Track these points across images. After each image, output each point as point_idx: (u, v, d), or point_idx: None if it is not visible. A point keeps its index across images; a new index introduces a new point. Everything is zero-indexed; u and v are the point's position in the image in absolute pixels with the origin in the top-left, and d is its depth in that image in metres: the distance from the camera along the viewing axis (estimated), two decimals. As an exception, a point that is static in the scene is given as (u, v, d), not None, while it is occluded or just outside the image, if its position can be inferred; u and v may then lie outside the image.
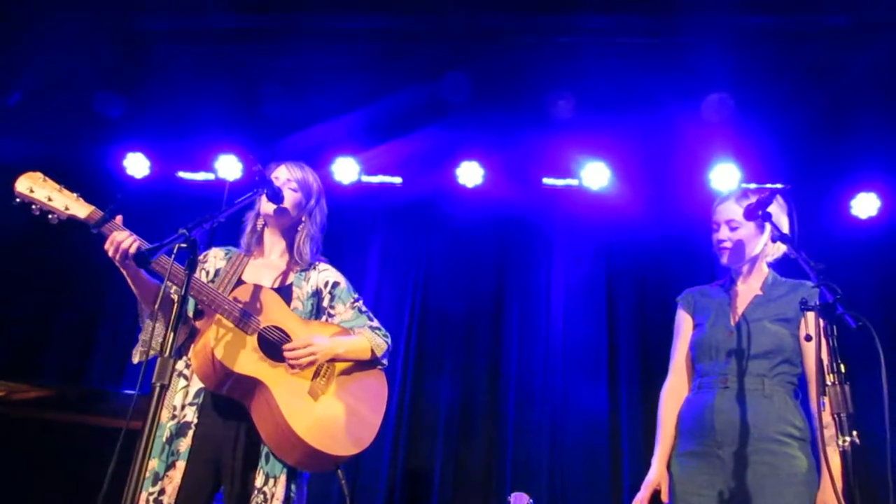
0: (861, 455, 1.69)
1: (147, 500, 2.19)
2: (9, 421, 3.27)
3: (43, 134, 4.69)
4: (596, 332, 4.75)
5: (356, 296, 2.69)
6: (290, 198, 2.56)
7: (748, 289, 2.55)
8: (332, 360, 2.46)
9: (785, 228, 2.49)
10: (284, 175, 2.60)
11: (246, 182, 4.92)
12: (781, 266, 2.62)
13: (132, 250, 2.18)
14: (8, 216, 2.39)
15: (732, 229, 2.52)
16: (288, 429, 2.26)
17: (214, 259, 2.59)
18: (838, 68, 4.23)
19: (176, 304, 1.89)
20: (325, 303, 2.62)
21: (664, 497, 2.46)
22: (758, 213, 2.30)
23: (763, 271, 2.57)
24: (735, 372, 2.40)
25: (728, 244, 2.53)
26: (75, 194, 2.24)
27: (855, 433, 1.67)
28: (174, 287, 2.23)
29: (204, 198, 4.93)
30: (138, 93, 4.73)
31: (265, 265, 2.60)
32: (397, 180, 5.09)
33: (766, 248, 2.54)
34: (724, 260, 2.56)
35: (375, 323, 2.67)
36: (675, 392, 2.61)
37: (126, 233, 2.21)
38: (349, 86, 4.63)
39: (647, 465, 2.57)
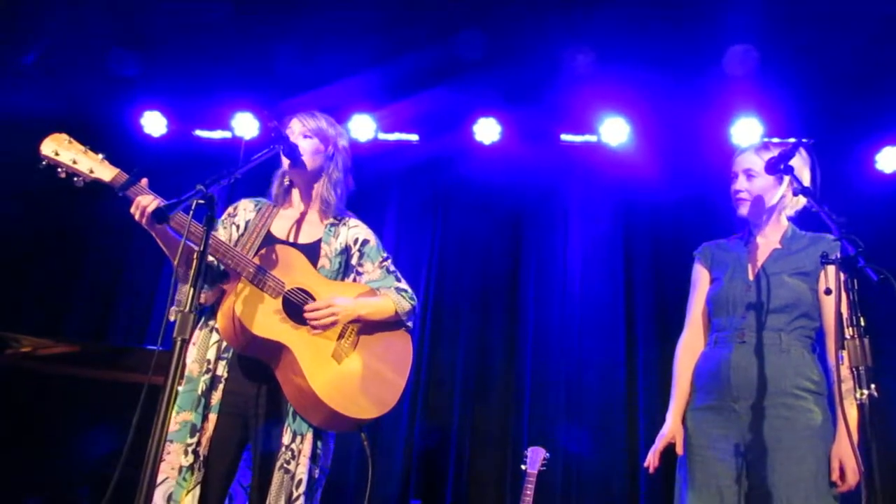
0: (878, 408, 1.69)
1: (185, 451, 2.23)
2: (34, 376, 3.33)
3: (60, 92, 4.69)
4: (613, 290, 4.74)
5: (385, 254, 2.67)
6: (307, 148, 2.53)
7: (767, 242, 2.52)
8: (355, 321, 2.46)
9: (806, 181, 2.45)
10: (298, 127, 2.56)
11: (262, 139, 4.93)
12: (801, 219, 2.59)
13: (150, 210, 2.18)
14: (30, 174, 2.40)
15: (749, 178, 2.48)
16: (311, 391, 2.28)
17: (244, 211, 2.58)
18: (864, 19, 4.11)
19: (195, 260, 1.90)
20: (354, 260, 2.60)
21: (678, 450, 2.47)
22: (779, 167, 2.26)
23: (782, 224, 2.53)
24: (752, 326, 2.38)
25: (745, 195, 2.49)
26: (100, 156, 2.24)
27: (874, 386, 1.67)
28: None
29: (221, 156, 4.94)
30: (155, 51, 4.71)
31: (294, 217, 2.59)
32: (414, 138, 5.06)
33: (784, 200, 2.51)
34: (741, 211, 2.52)
35: (403, 284, 2.64)
36: (690, 346, 2.60)
37: (151, 196, 2.21)
38: (365, 42, 4.58)
39: (664, 422, 2.57)
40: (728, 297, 2.47)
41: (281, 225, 2.55)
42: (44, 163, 2.20)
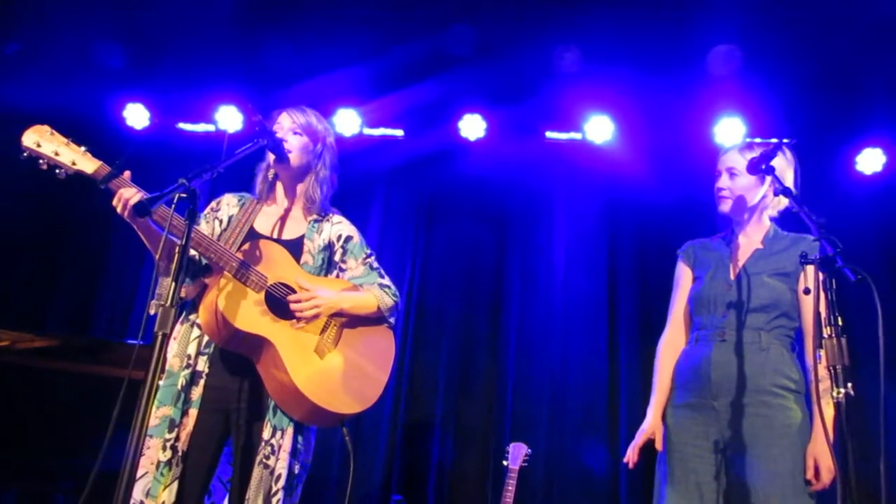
0: (855, 408, 1.71)
1: (164, 446, 2.22)
2: (13, 370, 3.29)
3: (41, 83, 4.65)
4: (596, 287, 4.77)
5: (368, 251, 2.67)
6: (295, 143, 2.52)
7: (749, 242, 2.55)
8: (338, 315, 2.46)
9: (790, 182, 2.48)
10: (287, 122, 2.55)
11: (246, 133, 4.90)
12: (784, 220, 2.61)
13: (132, 202, 2.16)
14: (11, 165, 2.38)
15: (732, 177, 2.52)
16: (293, 386, 2.27)
17: (227, 206, 2.57)
18: (847, 22, 4.15)
19: (177, 255, 1.89)
20: (337, 257, 2.60)
21: (658, 446, 2.49)
22: (761, 167, 2.29)
23: (765, 224, 2.57)
24: (732, 325, 2.41)
25: (727, 193, 2.53)
26: (82, 148, 2.21)
27: (850, 385, 1.69)
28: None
29: (204, 149, 4.90)
30: (138, 43, 4.67)
31: (277, 213, 2.58)
32: (399, 133, 5.05)
33: (765, 199, 2.54)
34: (722, 208, 2.56)
35: (386, 280, 2.64)
36: (671, 344, 2.63)
37: (134, 189, 2.19)
38: (352, 36, 4.57)
39: (645, 419, 2.60)
40: (709, 295, 2.50)
41: (264, 220, 2.54)
42: (25, 154, 2.17)
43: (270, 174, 2.60)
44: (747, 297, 2.40)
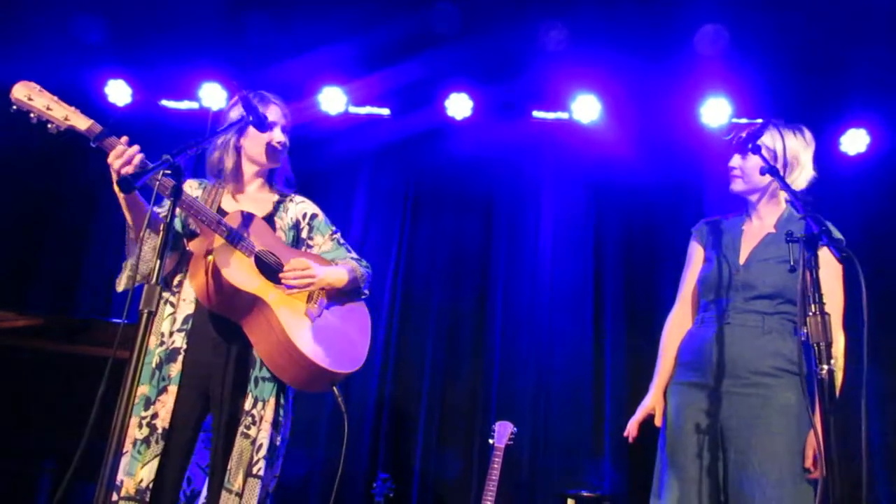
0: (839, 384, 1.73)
1: (140, 424, 2.22)
2: (-4, 349, 3.26)
3: (19, 57, 4.55)
4: (582, 268, 4.78)
5: (334, 228, 2.73)
6: None
7: (762, 225, 2.54)
8: (324, 288, 2.51)
9: (808, 164, 2.49)
10: None
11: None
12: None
13: (136, 161, 2.14)
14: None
15: (744, 157, 2.52)
16: (290, 345, 2.31)
17: (190, 188, 2.56)
18: (832, 2, 4.16)
19: (163, 231, 1.88)
20: (304, 234, 2.65)
21: (657, 422, 2.52)
22: (748, 146, 2.29)
23: (780, 206, 2.55)
24: (737, 309, 2.41)
25: (738, 172, 2.55)
26: (73, 107, 2.20)
27: (833, 360, 1.70)
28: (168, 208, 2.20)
29: (188, 127, 4.84)
30: (120, 17, 4.58)
31: (241, 195, 2.59)
32: (385, 112, 5.02)
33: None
34: (732, 187, 2.58)
35: (354, 254, 2.71)
36: (678, 323, 2.64)
37: (135, 147, 2.17)
38: (337, 13, 4.51)
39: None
40: (716, 279, 2.49)
41: (230, 202, 2.55)
42: (14, 107, 2.15)
43: (238, 159, 2.58)
44: (753, 283, 2.40)
